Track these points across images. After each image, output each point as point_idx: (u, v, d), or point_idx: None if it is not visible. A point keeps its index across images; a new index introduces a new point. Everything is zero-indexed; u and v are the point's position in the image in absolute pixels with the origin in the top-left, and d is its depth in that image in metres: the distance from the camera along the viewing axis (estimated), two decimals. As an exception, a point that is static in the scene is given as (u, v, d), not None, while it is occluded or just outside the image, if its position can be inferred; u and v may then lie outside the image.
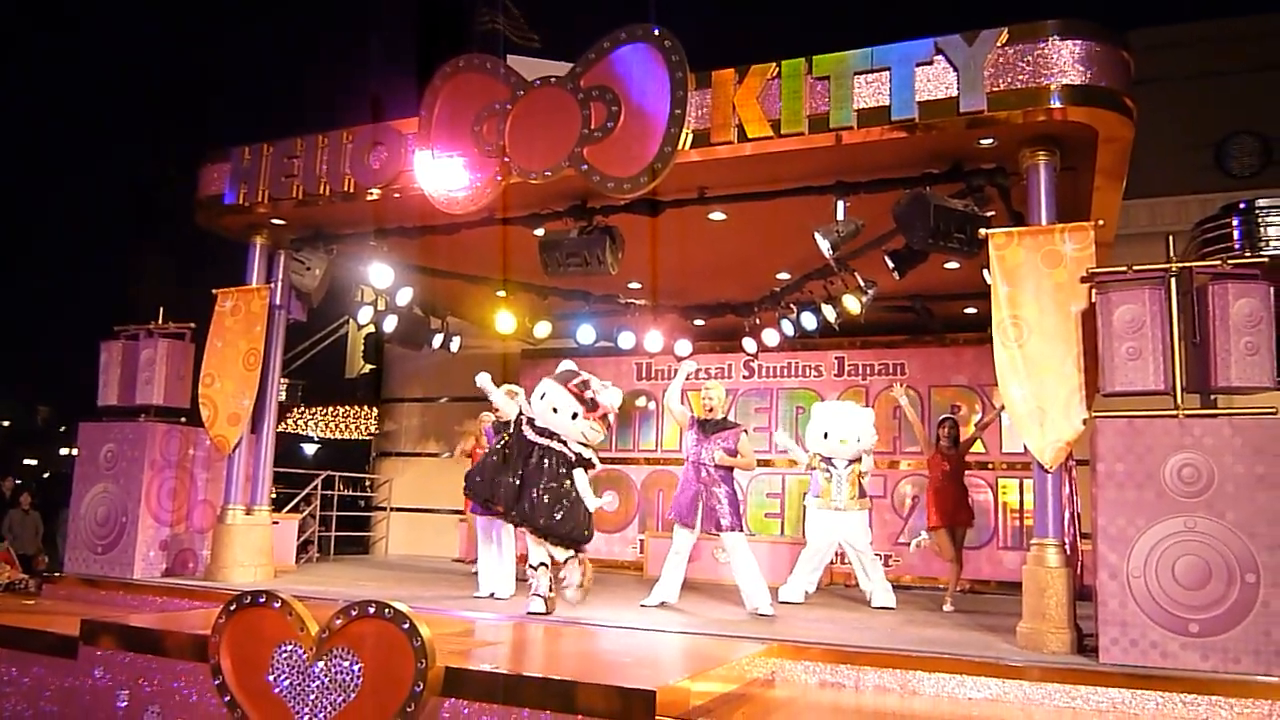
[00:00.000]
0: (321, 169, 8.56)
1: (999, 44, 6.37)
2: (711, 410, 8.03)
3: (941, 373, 11.33)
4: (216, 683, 5.19)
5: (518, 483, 7.03)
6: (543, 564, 7.14)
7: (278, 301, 9.41)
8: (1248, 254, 7.19)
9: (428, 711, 4.73)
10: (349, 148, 8.45)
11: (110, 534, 9.05)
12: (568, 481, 7.11)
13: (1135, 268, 5.96)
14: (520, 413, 7.37)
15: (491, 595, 8.32)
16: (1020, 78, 6.32)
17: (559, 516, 6.97)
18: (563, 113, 7.48)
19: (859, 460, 8.67)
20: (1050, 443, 6.21)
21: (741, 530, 7.88)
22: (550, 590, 7.13)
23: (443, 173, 7.93)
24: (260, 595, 5.26)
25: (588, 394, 7.04)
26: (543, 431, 7.14)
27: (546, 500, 6.97)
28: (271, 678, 5.08)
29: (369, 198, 8.44)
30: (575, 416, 7.01)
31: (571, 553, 7.20)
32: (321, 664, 4.97)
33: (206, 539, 9.20)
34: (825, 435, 8.68)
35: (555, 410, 7.06)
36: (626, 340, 11.70)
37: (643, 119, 7.19)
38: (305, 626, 5.07)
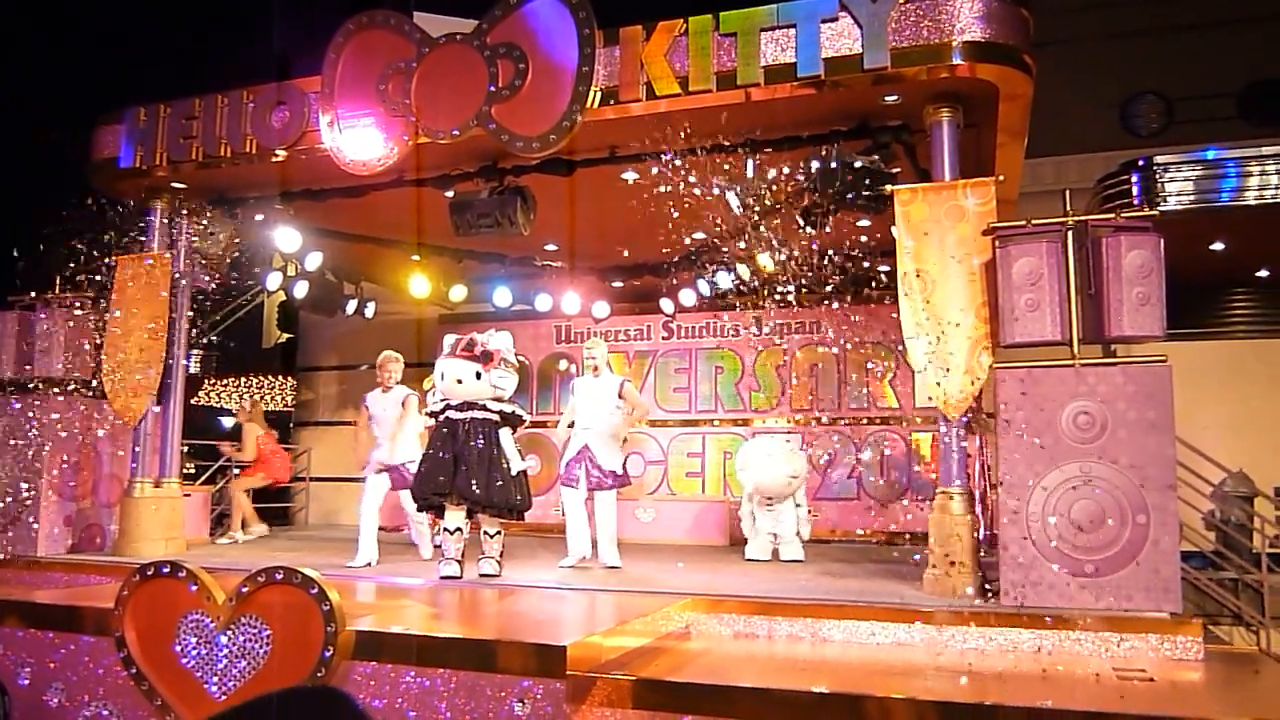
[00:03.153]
0: (222, 130, 8.31)
1: (901, 1, 6.43)
2: (596, 370, 8.00)
3: (857, 330, 11.51)
4: (121, 655, 5.10)
5: (453, 462, 6.96)
6: (458, 529, 7.11)
7: (181, 269, 9.11)
8: (1145, 209, 7.42)
9: (338, 675, 4.70)
10: (250, 108, 8.21)
11: (11, 511, 8.74)
12: (497, 449, 7.07)
13: (1034, 222, 6.10)
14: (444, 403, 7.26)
15: (369, 565, 8.00)
16: (923, 34, 6.40)
17: (497, 485, 6.93)
18: (470, 70, 7.36)
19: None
20: (954, 394, 6.37)
21: (613, 488, 7.86)
22: (462, 555, 7.11)
23: (348, 133, 7.76)
24: (165, 565, 5.17)
25: (477, 349, 7.04)
26: (462, 406, 7.10)
27: (481, 471, 6.92)
28: (178, 648, 5.00)
29: (273, 159, 8.22)
30: (479, 376, 6.99)
31: (500, 525, 7.21)
32: (229, 632, 4.91)
33: (114, 514, 8.95)
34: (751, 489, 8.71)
35: (460, 381, 7.02)
36: (544, 303, 11.64)
37: (550, 76, 7.12)
38: (211, 596, 5.00)
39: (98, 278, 9.19)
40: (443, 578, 7.00)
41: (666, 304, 11.30)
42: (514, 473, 7.10)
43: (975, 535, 6.43)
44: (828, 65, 6.58)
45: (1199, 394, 9.70)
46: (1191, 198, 10.46)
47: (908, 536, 10.66)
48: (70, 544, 8.86)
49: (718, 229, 9.47)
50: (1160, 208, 9.78)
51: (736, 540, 9.65)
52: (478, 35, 7.38)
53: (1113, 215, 6.12)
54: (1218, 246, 10.90)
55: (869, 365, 11.36)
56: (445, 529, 7.15)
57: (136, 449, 8.88)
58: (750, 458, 8.75)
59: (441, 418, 7.19)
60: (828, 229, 7.74)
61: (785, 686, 4.42)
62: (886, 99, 6.82)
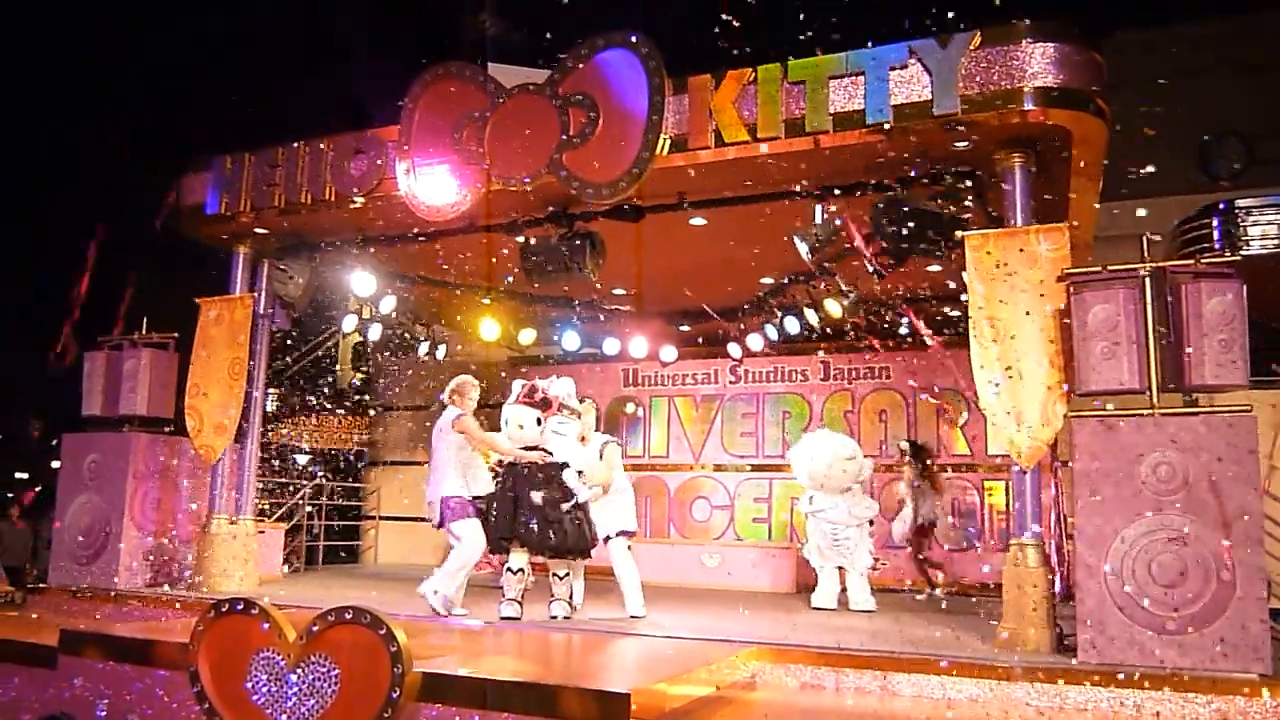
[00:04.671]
0: (303, 177, 8.58)
1: (972, 47, 6.42)
2: (584, 439, 7.80)
3: (926, 375, 11.37)
4: (195, 690, 5.20)
5: (513, 505, 7.08)
6: (520, 569, 7.15)
7: (261, 310, 9.40)
8: (1227, 254, 7.23)
9: (405, 717, 4.73)
10: (330, 155, 8.48)
11: (94, 545, 9.03)
12: (559, 490, 7.16)
13: (1110, 267, 5.98)
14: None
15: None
16: (993, 80, 6.36)
17: (557, 529, 7.02)
18: (542, 119, 7.51)
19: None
20: (1027, 442, 6.24)
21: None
22: (522, 595, 7.14)
23: (423, 180, 7.96)
24: (238, 603, 5.27)
25: (538, 396, 7.20)
26: (528, 449, 7.25)
27: (541, 515, 7.01)
28: (249, 685, 5.08)
29: (351, 205, 8.46)
30: (539, 422, 7.12)
31: (568, 568, 7.25)
32: (299, 671, 4.98)
33: (191, 549, 9.19)
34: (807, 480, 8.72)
35: (522, 427, 7.17)
36: (611, 346, 11.72)
37: (621, 125, 7.23)
38: (283, 633, 5.08)
39: (181, 318, 9.52)
40: (503, 618, 7.02)
41: (734, 348, 11.29)
42: (573, 512, 7.13)
43: (1051, 588, 6.25)
44: (897, 112, 6.57)
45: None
46: (1276, 241, 10.17)
47: (981, 588, 10.41)
48: (149, 577, 9.11)
49: (786, 274, 9.50)
50: (1243, 252, 9.53)
51: (804, 587, 9.53)
52: (550, 85, 7.53)
53: (1192, 261, 5.98)
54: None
55: (940, 410, 11.18)
56: (508, 569, 7.20)
57: (215, 486, 9.11)
58: (803, 447, 8.78)
59: (506, 466, 7.32)
60: (899, 272, 7.70)
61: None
62: (957, 144, 6.77)
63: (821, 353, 11.67)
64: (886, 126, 6.62)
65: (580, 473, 7.39)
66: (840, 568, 8.70)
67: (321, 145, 8.54)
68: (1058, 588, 6.70)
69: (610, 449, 7.79)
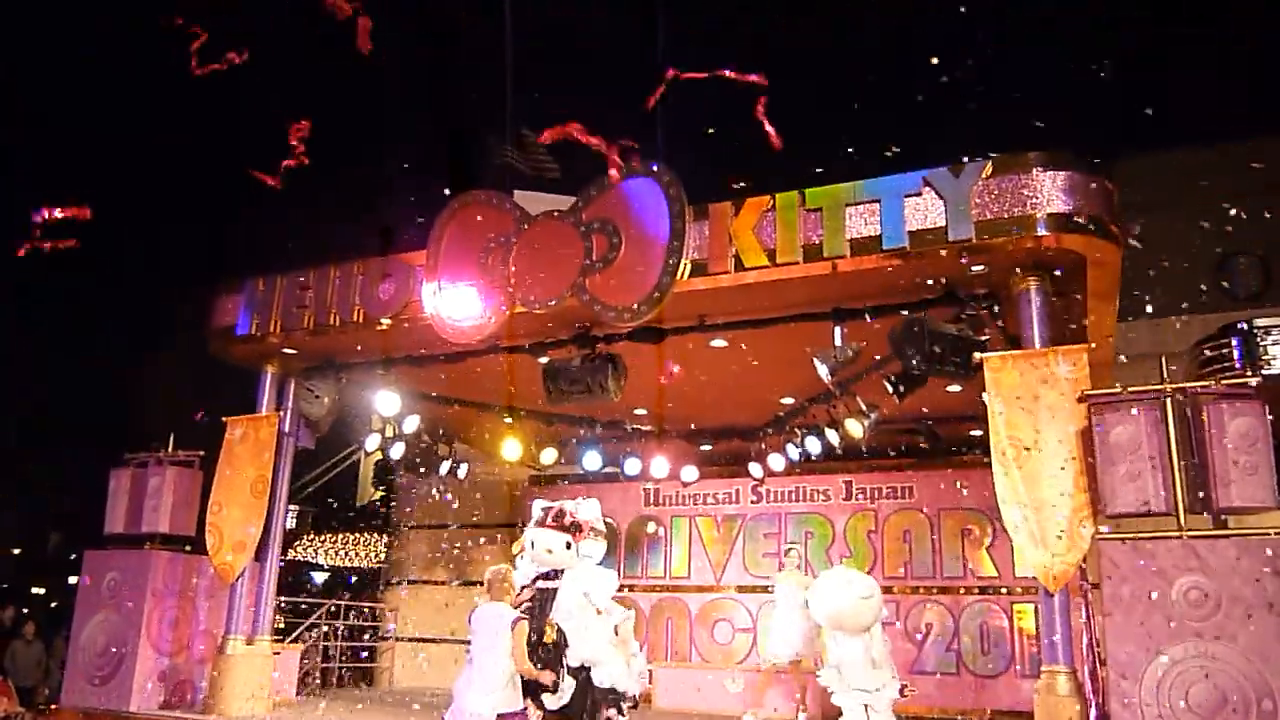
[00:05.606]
0: (332, 299, 8.79)
1: (984, 176, 6.61)
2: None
3: (950, 495, 11.25)
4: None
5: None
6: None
7: (286, 429, 9.50)
8: (1247, 374, 7.24)
9: None
10: (359, 279, 8.70)
11: (109, 664, 8.93)
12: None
13: (1130, 389, 6.01)
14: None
15: None
16: (1006, 207, 6.53)
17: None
18: (565, 244, 7.73)
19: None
20: (1053, 565, 6.15)
21: None
22: None
23: (449, 303, 8.14)
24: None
25: (567, 520, 7.05)
26: (550, 575, 7.12)
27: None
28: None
29: (378, 328, 8.64)
30: (569, 546, 7.02)
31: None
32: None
33: (206, 670, 9.06)
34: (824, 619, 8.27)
35: (550, 552, 7.00)
36: (633, 466, 11.71)
37: (643, 250, 7.42)
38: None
39: (205, 436, 9.62)
40: None
41: (755, 468, 11.26)
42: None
43: (1085, 716, 6.07)
44: (912, 238, 6.74)
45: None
46: (1299, 362, 10.14)
47: (1012, 715, 10.08)
48: (162, 700, 8.97)
49: (806, 397, 9.54)
50: (1264, 372, 9.51)
51: (829, 714, 9.25)
52: (574, 211, 7.77)
53: (1212, 382, 6.00)
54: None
55: (965, 530, 11.04)
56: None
57: (232, 605, 9.05)
58: (818, 586, 8.44)
59: (532, 587, 7.19)
60: (918, 393, 7.73)
61: None
62: (972, 269, 6.90)
63: (844, 474, 11.61)
64: (903, 252, 6.76)
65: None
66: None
67: (351, 268, 8.77)
68: (1093, 716, 6.50)
69: (626, 626, 7.49)
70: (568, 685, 6.66)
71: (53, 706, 9.25)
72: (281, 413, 9.54)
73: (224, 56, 6.50)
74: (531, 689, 6.68)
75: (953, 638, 10.75)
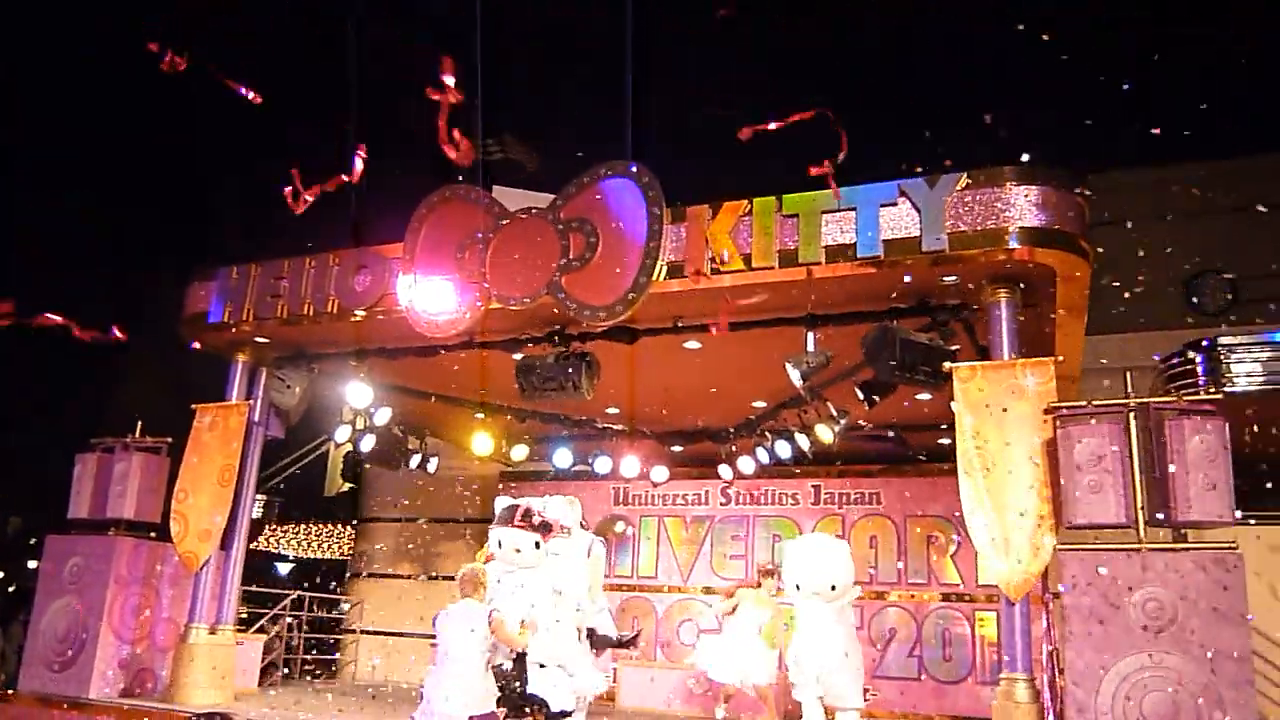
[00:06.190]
0: (307, 290, 8.75)
1: (959, 188, 6.69)
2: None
3: (917, 502, 11.36)
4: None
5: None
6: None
7: (256, 418, 9.45)
8: (1211, 390, 7.36)
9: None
10: (335, 270, 8.67)
11: (69, 650, 8.83)
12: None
13: (1095, 403, 6.11)
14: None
15: None
16: (980, 220, 6.62)
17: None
18: (543, 242, 7.73)
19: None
20: (1015, 574, 6.24)
21: None
22: None
23: (425, 297, 8.13)
24: (215, 717, 5.18)
25: (535, 519, 6.96)
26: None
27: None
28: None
29: (352, 319, 8.61)
30: (538, 546, 6.95)
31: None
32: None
33: (167, 658, 9.00)
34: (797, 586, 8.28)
35: (519, 551, 6.91)
36: (603, 465, 11.72)
37: (619, 250, 7.44)
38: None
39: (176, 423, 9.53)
40: None
41: (725, 470, 11.32)
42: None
43: (1041, 725, 6.16)
44: (887, 246, 6.81)
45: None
46: (1262, 380, 10.32)
47: (971, 722, 10.20)
48: (122, 687, 8.88)
49: (778, 401, 9.60)
50: (1226, 389, 9.66)
51: (792, 715, 9.31)
52: (552, 209, 7.78)
53: (1175, 398, 6.11)
54: (1292, 428, 10.65)
55: (930, 537, 11.15)
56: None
57: (196, 594, 8.98)
58: (791, 546, 8.46)
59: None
60: (888, 400, 7.80)
61: None
62: (945, 279, 6.99)
63: (812, 478, 11.70)
64: (878, 260, 6.83)
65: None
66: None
67: (327, 259, 8.73)
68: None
69: (597, 547, 7.55)
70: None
71: (10, 692, 9.13)
72: (252, 402, 9.50)
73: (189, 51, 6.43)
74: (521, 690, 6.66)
75: (915, 643, 10.87)
